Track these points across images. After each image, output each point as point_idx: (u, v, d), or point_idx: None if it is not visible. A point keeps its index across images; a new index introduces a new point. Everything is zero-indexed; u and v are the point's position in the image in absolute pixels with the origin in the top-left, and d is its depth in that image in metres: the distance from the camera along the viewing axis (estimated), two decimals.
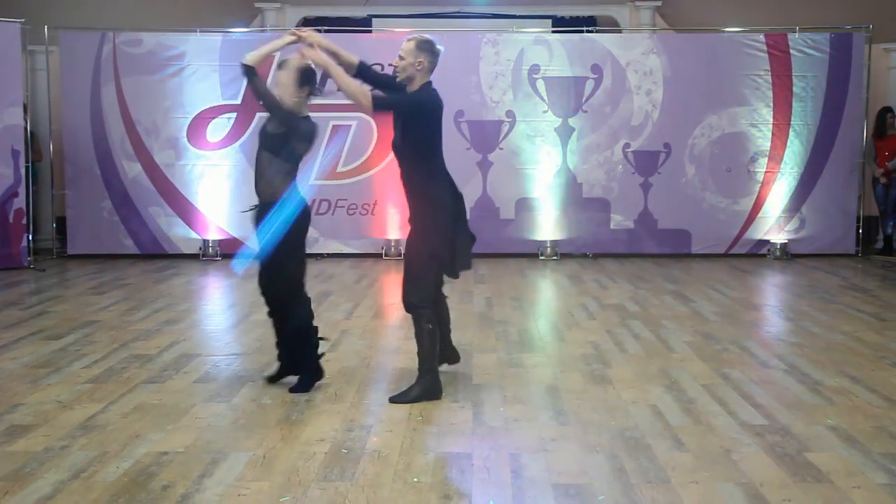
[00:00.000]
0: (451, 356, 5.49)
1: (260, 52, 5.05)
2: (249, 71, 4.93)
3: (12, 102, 10.15)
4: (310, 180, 10.90)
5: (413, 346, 5.22)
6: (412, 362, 5.69)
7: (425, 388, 4.94)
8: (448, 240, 4.95)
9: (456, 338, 6.30)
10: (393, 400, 4.91)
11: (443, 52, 5.05)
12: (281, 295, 4.98)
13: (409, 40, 5.00)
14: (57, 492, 3.68)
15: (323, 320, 7.10)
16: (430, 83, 5.00)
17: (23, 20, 10.34)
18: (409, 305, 5.04)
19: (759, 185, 11.04)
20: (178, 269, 10.20)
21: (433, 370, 4.99)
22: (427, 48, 4.97)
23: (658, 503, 3.56)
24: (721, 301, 8.10)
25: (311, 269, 10.02)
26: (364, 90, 4.90)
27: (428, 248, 4.94)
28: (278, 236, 4.83)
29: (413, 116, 4.92)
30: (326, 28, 11.21)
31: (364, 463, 3.99)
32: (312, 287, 8.75)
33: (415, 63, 4.93)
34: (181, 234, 11.06)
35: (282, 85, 4.94)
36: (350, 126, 10.93)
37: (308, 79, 5.02)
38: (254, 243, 5.12)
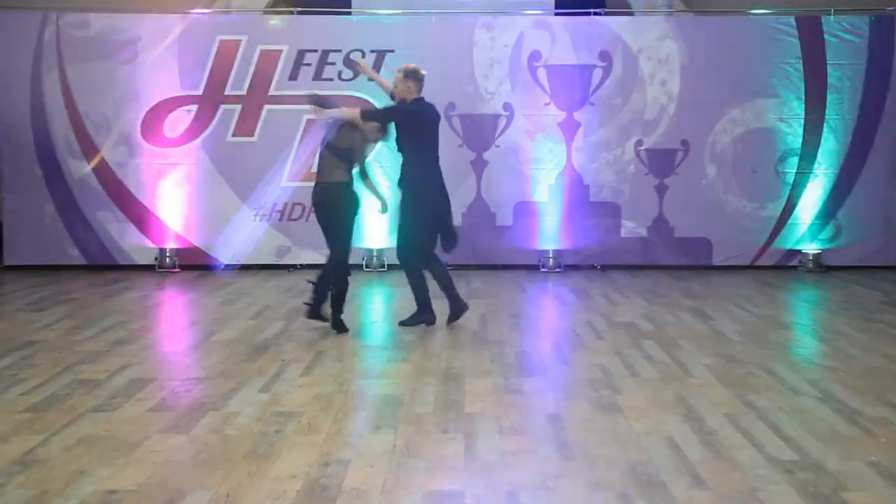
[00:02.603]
0: (461, 306, 7.73)
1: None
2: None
3: None
4: (281, 182, 10.93)
5: (399, 368, 6.28)
6: (397, 387, 5.76)
7: (423, 314, 7.53)
8: (436, 208, 7.41)
9: (446, 360, 6.39)
10: (402, 323, 7.58)
11: (426, 75, 7.51)
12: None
13: (398, 71, 7.58)
14: None
15: (295, 340, 7.13)
16: (421, 98, 7.44)
17: None
18: (401, 262, 7.61)
19: (790, 187, 11.07)
20: (130, 283, 10.17)
21: (428, 303, 7.54)
22: (413, 76, 7.42)
23: None
24: (746, 319, 8.13)
25: (284, 281, 10.09)
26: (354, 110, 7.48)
27: (418, 212, 7.32)
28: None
29: (402, 123, 7.41)
30: (301, 10, 11.24)
31: (341, 503, 3.99)
32: (283, 302, 8.81)
33: (405, 88, 7.39)
34: (134, 243, 11.02)
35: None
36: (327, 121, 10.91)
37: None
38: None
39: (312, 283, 7.43)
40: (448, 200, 7.60)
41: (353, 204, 7.35)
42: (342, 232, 7.38)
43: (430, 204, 7.43)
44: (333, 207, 7.34)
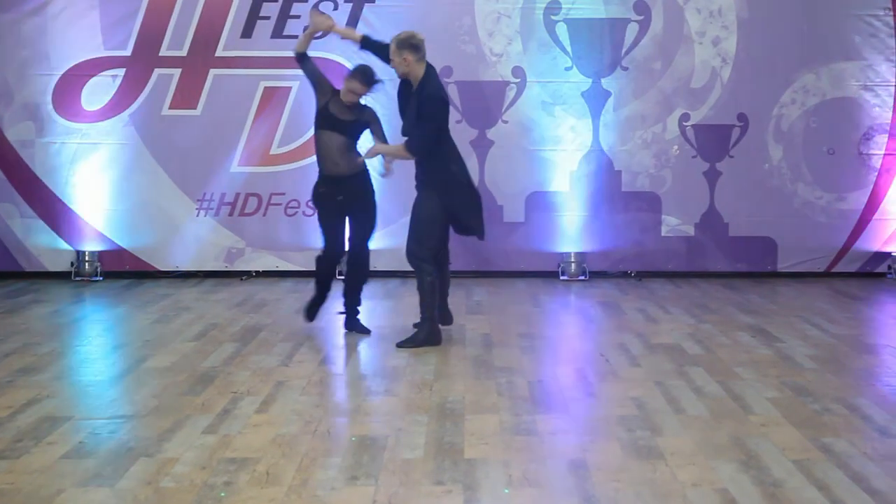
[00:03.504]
0: (445, 318, 8.17)
1: (304, 37, 8.10)
2: (301, 57, 8.07)
3: None
4: (232, 167, 10.92)
5: (381, 402, 6.27)
6: (379, 427, 5.74)
7: (428, 332, 7.76)
8: (462, 194, 7.85)
9: (441, 392, 6.38)
10: (400, 345, 7.68)
11: (424, 39, 7.73)
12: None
13: (391, 42, 7.72)
14: None
15: (249, 367, 7.13)
16: (432, 70, 7.76)
17: None
18: (411, 258, 7.83)
19: (876, 173, 11.10)
20: (40, 294, 10.16)
21: (434, 318, 7.80)
22: (405, 45, 7.61)
23: None
24: (820, 340, 8.14)
25: (235, 293, 10.09)
26: (399, 147, 7.82)
27: (441, 199, 7.71)
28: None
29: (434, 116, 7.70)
30: None
31: None
32: (235, 318, 8.80)
33: (402, 61, 7.60)
34: (45, 244, 11.02)
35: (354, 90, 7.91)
36: (290, 89, 10.95)
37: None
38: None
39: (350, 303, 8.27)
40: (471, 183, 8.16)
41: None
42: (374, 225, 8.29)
43: (456, 194, 7.86)
44: (369, 201, 8.13)
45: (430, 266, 7.77)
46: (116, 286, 10.64)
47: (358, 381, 6.92)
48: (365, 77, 7.83)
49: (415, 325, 8.04)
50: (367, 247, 8.25)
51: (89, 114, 10.94)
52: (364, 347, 7.90)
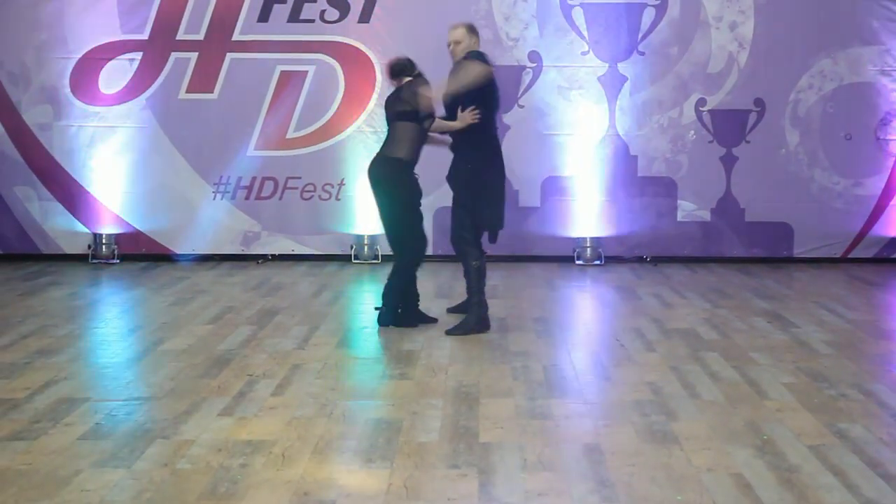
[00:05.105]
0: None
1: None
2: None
3: None
4: (248, 151, 10.93)
5: (396, 386, 6.25)
6: (394, 410, 5.74)
7: (478, 318, 7.69)
8: (481, 203, 7.78)
9: (456, 376, 6.38)
10: (450, 332, 7.58)
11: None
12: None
13: (461, 27, 7.87)
14: None
15: (265, 350, 7.14)
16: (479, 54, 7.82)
17: None
18: (454, 243, 7.87)
19: (894, 159, 11.04)
20: (57, 276, 10.20)
21: (482, 303, 7.74)
22: (476, 31, 7.99)
23: None
24: (837, 326, 8.11)
25: (251, 276, 10.10)
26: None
27: (465, 207, 7.76)
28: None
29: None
30: None
31: None
32: (251, 301, 8.82)
33: (472, 44, 7.81)
34: (62, 227, 11.06)
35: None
36: (306, 73, 10.94)
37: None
38: None
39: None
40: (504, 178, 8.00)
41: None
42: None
43: (490, 181, 7.81)
44: (376, 192, 8.01)
45: (474, 250, 7.77)
46: (133, 269, 10.68)
47: (373, 364, 6.92)
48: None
49: (448, 310, 8.22)
50: (390, 239, 8.00)
51: (107, 97, 10.97)
52: (380, 331, 7.89)
